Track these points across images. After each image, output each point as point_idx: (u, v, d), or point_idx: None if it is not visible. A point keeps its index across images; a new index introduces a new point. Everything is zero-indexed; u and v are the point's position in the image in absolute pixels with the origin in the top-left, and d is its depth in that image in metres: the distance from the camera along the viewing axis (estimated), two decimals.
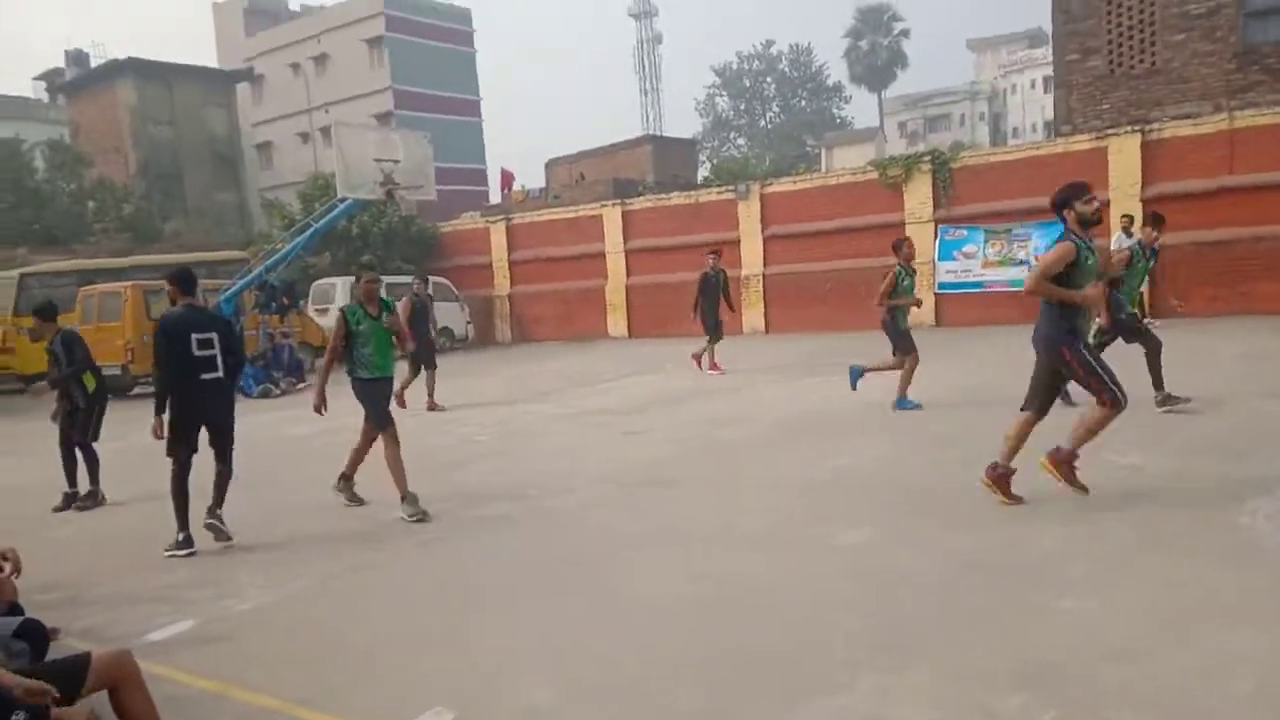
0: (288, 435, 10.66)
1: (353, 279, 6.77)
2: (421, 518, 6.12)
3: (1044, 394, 5.43)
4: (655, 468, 7.36)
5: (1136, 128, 16.84)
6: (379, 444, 6.47)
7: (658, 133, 66.51)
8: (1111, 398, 5.10)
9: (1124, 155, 16.57)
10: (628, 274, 23.25)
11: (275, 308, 15.88)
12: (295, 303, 17.05)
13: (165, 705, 3.24)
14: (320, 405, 6.56)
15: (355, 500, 6.76)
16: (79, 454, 7.47)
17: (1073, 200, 5.21)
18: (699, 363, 13.29)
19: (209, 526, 5.90)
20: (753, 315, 20.88)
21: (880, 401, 9.13)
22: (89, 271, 19.50)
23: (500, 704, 3.43)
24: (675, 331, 21.67)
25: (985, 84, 76.03)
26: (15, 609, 3.74)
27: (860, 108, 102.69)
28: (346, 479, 6.80)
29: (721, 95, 76.82)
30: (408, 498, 6.22)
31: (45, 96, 48.00)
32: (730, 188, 22.15)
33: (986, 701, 3.12)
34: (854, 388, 9.48)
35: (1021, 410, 5.51)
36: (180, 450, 5.82)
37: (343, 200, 15.11)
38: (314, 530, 6.22)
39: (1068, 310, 5.18)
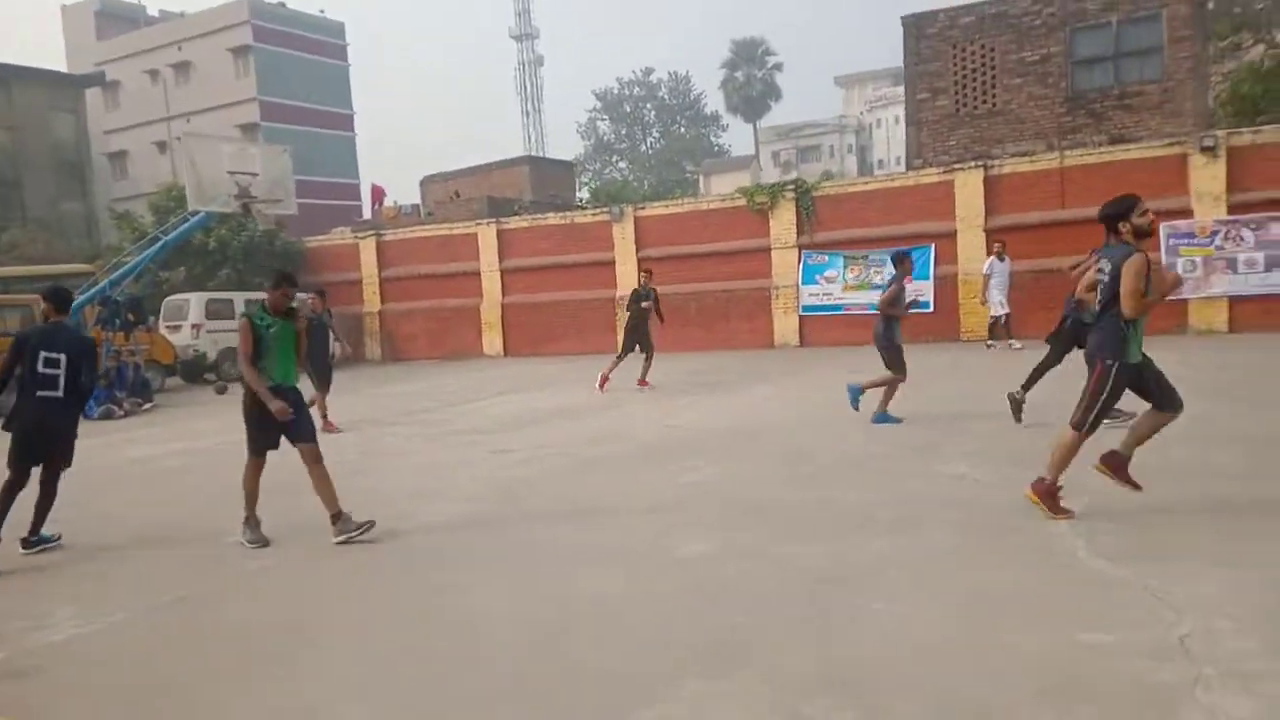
0: (125, 458, 10.04)
1: (270, 285, 6.26)
2: (262, 544, 5.89)
3: (1159, 390, 5.24)
4: (517, 487, 7.33)
5: (980, 163, 18.08)
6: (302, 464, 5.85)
7: (540, 153, 66.61)
8: (1082, 424, 5.17)
9: (968, 189, 17.74)
10: (503, 293, 23.12)
11: (120, 324, 14.98)
12: (142, 319, 16.11)
13: None
14: (282, 407, 5.71)
15: (365, 526, 5.82)
16: None
17: (1129, 213, 5.11)
18: (644, 382, 13.34)
19: (25, 543, 5.97)
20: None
21: (743, 422, 9.40)
22: None
23: None
24: (551, 350, 21.70)
25: (853, 118, 79.95)
26: None
27: (737, 136, 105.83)
28: (338, 516, 5.85)
29: (603, 119, 77.66)
30: (249, 520, 6.00)
31: None
32: (605, 209, 22.41)
33: (796, 704, 3.27)
34: (855, 408, 9.21)
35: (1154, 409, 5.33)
36: (16, 463, 5.81)
37: (195, 213, 14.45)
38: (143, 558, 5.90)
39: (1127, 324, 5.04)
